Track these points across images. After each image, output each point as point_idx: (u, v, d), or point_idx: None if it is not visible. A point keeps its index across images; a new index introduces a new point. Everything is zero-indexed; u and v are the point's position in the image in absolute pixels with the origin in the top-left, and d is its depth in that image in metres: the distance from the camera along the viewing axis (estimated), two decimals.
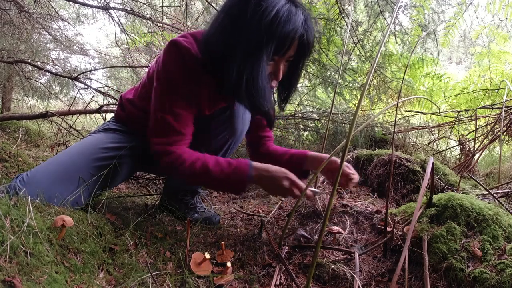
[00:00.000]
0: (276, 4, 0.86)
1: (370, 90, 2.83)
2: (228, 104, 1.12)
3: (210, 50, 0.95)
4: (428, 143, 2.69)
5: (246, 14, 0.86)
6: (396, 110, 1.07)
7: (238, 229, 1.28)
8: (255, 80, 0.89)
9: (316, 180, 1.49)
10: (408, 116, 2.94)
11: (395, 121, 1.01)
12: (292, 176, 0.99)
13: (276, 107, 1.21)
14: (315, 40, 2.33)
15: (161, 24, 2.78)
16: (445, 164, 1.74)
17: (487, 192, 1.22)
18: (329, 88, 2.43)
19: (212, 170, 0.99)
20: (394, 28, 2.41)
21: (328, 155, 1.15)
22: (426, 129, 2.80)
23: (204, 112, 1.08)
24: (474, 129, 2.27)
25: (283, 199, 1.47)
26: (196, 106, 1.05)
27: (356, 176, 1.12)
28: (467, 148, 2.34)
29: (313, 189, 1.03)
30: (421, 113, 2.95)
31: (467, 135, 2.45)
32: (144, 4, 2.82)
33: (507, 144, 2.59)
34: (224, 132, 1.13)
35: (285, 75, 1.03)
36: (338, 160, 1.15)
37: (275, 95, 1.18)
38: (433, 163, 0.92)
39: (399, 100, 1.00)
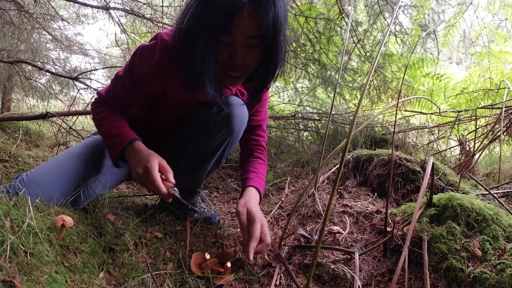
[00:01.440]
0: None
1: (370, 90, 2.83)
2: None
3: (176, 35, 0.95)
4: (428, 143, 2.69)
5: None
6: (396, 110, 1.07)
7: (238, 229, 1.28)
8: (203, 55, 0.87)
9: (317, 180, 1.49)
10: (408, 116, 2.94)
11: (395, 121, 1.01)
12: (152, 165, 0.92)
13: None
14: (315, 40, 2.33)
15: (161, 24, 2.78)
16: (445, 164, 1.74)
17: (487, 192, 1.22)
18: (329, 88, 2.43)
19: (108, 120, 1.05)
20: (394, 28, 2.41)
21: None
22: (426, 129, 2.80)
23: (174, 97, 1.08)
24: (474, 129, 2.27)
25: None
26: (143, 102, 1.11)
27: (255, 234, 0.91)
28: (467, 148, 2.34)
29: (174, 188, 0.93)
30: (421, 113, 2.95)
31: (467, 135, 2.45)
32: (144, 4, 2.82)
33: (507, 144, 2.59)
34: (221, 131, 1.12)
35: (259, 64, 0.96)
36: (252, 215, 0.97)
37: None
38: (433, 163, 0.92)
39: (399, 100, 1.00)
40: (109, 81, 1.33)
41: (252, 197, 1.05)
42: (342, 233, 1.12)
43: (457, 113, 2.53)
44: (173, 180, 0.96)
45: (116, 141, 1.02)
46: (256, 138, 1.27)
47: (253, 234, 0.90)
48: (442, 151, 2.51)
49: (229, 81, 0.98)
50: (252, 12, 0.81)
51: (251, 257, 0.87)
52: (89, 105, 2.57)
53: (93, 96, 2.63)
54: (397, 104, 1.05)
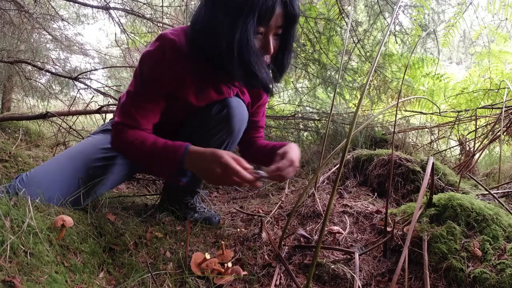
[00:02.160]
0: None
1: (370, 90, 2.83)
2: (219, 95, 1.11)
3: (195, 32, 0.95)
4: (428, 143, 2.69)
5: None
6: (396, 110, 1.07)
7: (238, 229, 1.28)
8: (246, 46, 0.88)
9: (317, 180, 1.49)
10: (408, 116, 2.94)
11: (395, 121, 1.01)
12: (227, 160, 0.88)
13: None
14: (315, 40, 2.33)
15: (161, 24, 2.78)
16: (445, 164, 1.74)
17: (487, 192, 1.22)
18: (329, 88, 2.43)
19: (148, 143, 0.96)
20: (394, 28, 2.41)
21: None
22: (426, 129, 2.80)
23: (192, 102, 1.08)
24: (474, 129, 2.27)
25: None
26: (162, 104, 1.06)
27: (283, 166, 0.97)
28: (467, 148, 2.34)
29: (257, 171, 0.91)
30: (421, 113, 2.95)
31: (467, 135, 2.45)
32: (144, 4, 2.82)
33: (507, 144, 2.59)
34: (221, 131, 1.13)
35: (276, 50, 1.01)
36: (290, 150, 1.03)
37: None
38: (433, 163, 0.92)
39: (399, 100, 1.00)
40: (116, 93, 1.29)
41: (292, 146, 1.07)
42: (342, 233, 1.12)
43: (457, 113, 2.53)
44: (249, 165, 0.92)
45: (167, 155, 0.95)
46: (258, 135, 1.32)
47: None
48: (442, 151, 2.51)
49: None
50: (286, 4, 0.90)
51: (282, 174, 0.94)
52: (88, 105, 2.57)
53: (92, 97, 2.63)
54: (397, 104, 1.05)
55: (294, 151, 1.03)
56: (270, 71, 1.07)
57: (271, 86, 1.03)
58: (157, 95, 1.03)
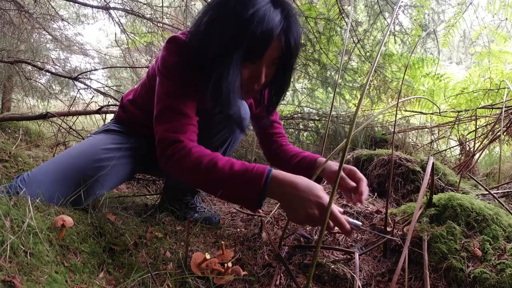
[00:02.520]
0: (254, 4, 0.82)
1: (370, 90, 2.83)
2: None
3: (192, 47, 0.94)
4: (428, 143, 2.69)
5: (223, 13, 0.85)
6: (396, 110, 1.07)
7: (238, 229, 1.28)
8: (220, 82, 0.86)
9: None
10: (408, 116, 2.94)
11: (395, 121, 1.01)
12: (325, 201, 0.79)
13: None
14: (315, 40, 2.33)
15: (161, 24, 2.78)
16: (445, 164, 1.74)
17: (487, 192, 1.22)
18: (329, 88, 2.43)
19: (220, 167, 0.84)
20: (394, 28, 2.41)
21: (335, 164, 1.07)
22: (426, 129, 2.80)
23: (203, 105, 1.07)
24: (474, 129, 2.27)
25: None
26: (196, 97, 1.01)
27: (365, 190, 0.99)
28: (467, 148, 2.34)
29: (353, 221, 0.85)
30: (421, 113, 2.95)
31: (467, 135, 2.46)
32: (144, 4, 2.82)
33: (507, 144, 2.59)
34: (223, 130, 1.13)
35: (273, 79, 0.99)
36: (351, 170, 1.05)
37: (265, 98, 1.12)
38: (433, 163, 0.92)
39: (399, 100, 1.00)
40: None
41: (331, 164, 1.09)
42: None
43: (457, 113, 2.53)
44: (341, 209, 0.84)
45: (246, 179, 0.83)
46: (279, 132, 1.30)
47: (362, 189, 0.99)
48: (442, 151, 2.51)
49: (246, 96, 1.01)
50: (283, 38, 0.87)
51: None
52: (88, 105, 2.57)
53: (92, 97, 2.62)
54: (397, 104, 1.05)
55: (355, 171, 1.04)
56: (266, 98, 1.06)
57: (243, 124, 1.01)
58: (186, 90, 0.98)
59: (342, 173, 1.04)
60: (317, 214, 0.78)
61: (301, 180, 0.82)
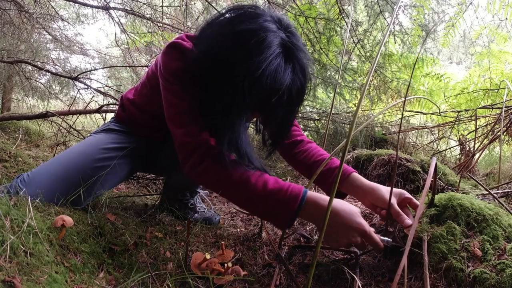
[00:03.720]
0: (266, 58, 0.77)
1: (370, 90, 2.83)
2: None
3: (195, 71, 0.88)
4: (428, 143, 2.69)
5: (236, 60, 0.79)
6: (403, 110, 1.07)
7: (238, 229, 1.28)
8: (236, 144, 0.83)
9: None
10: (408, 116, 2.94)
11: (401, 118, 1.01)
12: (370, 231, 0.80)
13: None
14: (315, 40, 2.33)
15: (161, 24, 2.78)
16: (445, 164, 1.74)
17: (487, 192, 1.22)
18: (329, 88, 2.43)
19: (252, 184, 0.82)
20: (394, 28, 2.41)
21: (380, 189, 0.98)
22: (426, 129, 2.80)
23: None
24: (474, 129, 2.27)
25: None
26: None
27: (408, 221, 0.93)
28: (467, 148, 2.34)
29: (384, 238, 0.86)
30: (421, 113, 2.95)
31: (467, 135, 2.45)
32: (144, 4, 2.82)
33: (507, 144, 2.59)
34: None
35: (277, 118, 0.95)
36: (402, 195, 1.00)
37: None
38: (436, 163, 0.92)
39: (399, 101, 0.99)
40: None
41: (372, 184, 1.03)
42: None
43: (457, 113, 2.53)
44: (372, 228, 0.84)
45: (280, 201, 0.81)
46: (298, 132, 1.25)
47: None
48: (442, 151, 2.51)
49: None
50: (288, 94, 0.85)
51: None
52: (88, 105, 2.57)
53: (92, 97, 2.63)
54: (404, 102, 1.04)
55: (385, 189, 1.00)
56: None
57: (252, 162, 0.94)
58: (194, 92, 0.93)
59: (395, 204, 0.98)
60: (359, 241, 0.82)
61: (340, 206, 0.82)
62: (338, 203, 0.83)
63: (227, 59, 0.80)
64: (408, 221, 0.94)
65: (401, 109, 3.13)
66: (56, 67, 3.62)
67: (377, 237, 0.83)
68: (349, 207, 0.83)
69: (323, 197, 0.83)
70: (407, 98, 3.10)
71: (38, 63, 3.13)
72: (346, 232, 0.81)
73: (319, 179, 1.10)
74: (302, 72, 0.87)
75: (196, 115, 0.90)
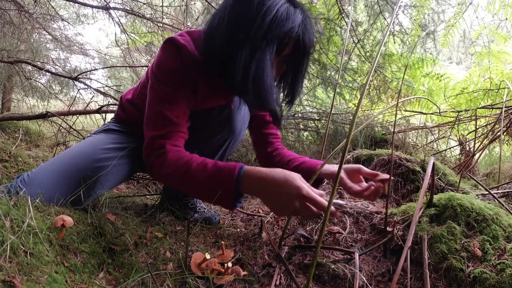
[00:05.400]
0: (276, 3, 0.86)
1: (370, 90, 2.83)
2: (227, 101, 1.11)
3: (211, 49, 0.93)
4: (428, 143, 2.69)
5: (249, 13, 0.86)
6: (396, 110, 1.07)
7: (238, 229, 1.28)
8: (261, 77, 0.87)
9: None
10: (408, 116, 2.94)
11: (395, 121, 1.01)
12: (308, 192, 0.78)
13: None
14: (315, 40, 2.33)
15: (161, 24, 2.78)
16: (445, 164, 1.74)
17: (487, 192, 1.22)
18: (329, 88, 2.43)
19: (193, 171, 0.86)
20: (393, 28, 2.41)
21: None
22: (426, 129, 2.80)
23: (201, 107, 1.07)
24: (474, 129, 2.27)
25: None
26: (192, 101, 1.02)
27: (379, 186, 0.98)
28: (467, 148, 2.34)
29: (336, 201, 0.85)
30: (421, 113, 2.95)
31: (467, 135, 2.45)
32: (144, 4, 2.82)
33: (507, 144, 2.59)
34: (222, 131, 1.12)
35: (288, 79, 1.01)
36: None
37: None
38: (433, 163, 0.92)
39: (400, 100, 0.99)
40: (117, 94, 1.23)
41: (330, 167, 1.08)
42: (342, 233, 1.12)
43: (457, 113, 2.53)
44: (322, 192, 0.83)
45: (218, 181, 0.84)
46: (274, 133, 1.29)
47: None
48: (442, 151, 2.51)
49: None
50: (300, 37, 0.90)
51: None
52: (88, 105, 2.57)
53: (92, 97, 2.63)
54: (397, 103, 1.05)
55: (359, 168, 1.04)
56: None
57: (279, 114, 1.01)
58: (184, 92, 0.98)
59: (345, 178, 1.03)
60: (299, 205, 0.78)
61: (277, 174, 0.80)
62: (275, 172, 0.82)
63: (242, 12, 0.87)
64: (357, 188, 1.00)
65: (401, 109, 3.13)
66: (56, 67, 3.62)
67: (320, 198, 0.79)
68: (288, 174, 0.80)
69: (260, 169, 0.83)
70: (407, 98, 3.10)
71: (38, 63, 3.13)
72: (287, 199, 0.78)
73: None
74: (310, 20, 0.93)
75: (166, 121, 0.94)
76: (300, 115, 2.61)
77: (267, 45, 0.86)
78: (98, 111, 2.38)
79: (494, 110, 2.42)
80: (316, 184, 1.14)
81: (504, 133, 2.32)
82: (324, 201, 0.78)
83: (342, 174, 1.04)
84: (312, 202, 0.77)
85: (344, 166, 1.05)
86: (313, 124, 2.59)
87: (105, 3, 2.64)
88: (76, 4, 3.03)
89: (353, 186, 1.02)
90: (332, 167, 1.08)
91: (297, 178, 0.79)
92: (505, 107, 1.98)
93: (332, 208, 0.77)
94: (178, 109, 0.97)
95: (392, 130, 2.64)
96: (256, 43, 0.86)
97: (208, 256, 0.94)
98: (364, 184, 1.03)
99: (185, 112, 1.00)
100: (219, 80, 1.01)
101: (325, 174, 1.08)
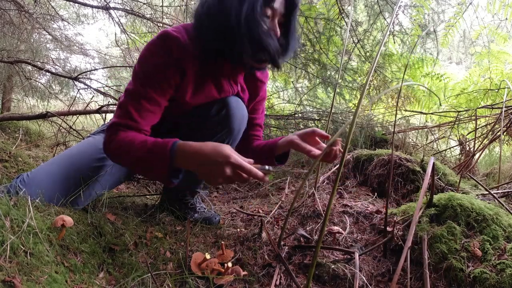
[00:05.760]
0: None
1: (370, 90, 2.83)
2: (220, 93, 1.10)
3: (206, 13, 0.94)
4: (428, 143, 2.69)
5: None
6: (396, 110, 1.07)
7: (238, 229, 1.28)
8: (254, 17, 0.89)
9: (317, 180, 1.49)
10: (408, 116, 2.94)
11: (394, 121, 1.01)
12: (236, 159, 0.81)
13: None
14: (315, 40, 2.33)
15: (161, 24, 2.78)
16: (445, 164, 1.74)
17: (487, 192, 1.22)
18: (329, 88, 2.43)
19: (135, 145, 0.88)
20: (394, 28, 2.41)
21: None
22: (426, 129, 2.80)
23: (188, 102, 1.07)
24: (474, 129, 2.27)
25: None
26: (167, 98, 1.03)
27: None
28: (467, 148, 2.34)
29: (263, 167, 0.88)
30: (421, 113, 2.95)
31: (467, 135, 2.45)
32: (144, 4, 2.82)
33: (507, 144, 2.59)
34: (220, 132, 1.11)
35: (282, 31, 1.02)
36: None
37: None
38: (433, 163, 0.92)
39: (399, 101, 0.99)
40: (114, 92, 1.25)
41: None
42: (342, 233, 1.12)
43: (457, 113, 2.53)
44: (251, 160, 0.87)
45: (155, 155, 0.87)
46: (256, 134, 1.31)
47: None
48: (442, 151, 2.51)
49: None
50: None
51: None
52: (88, 105, 2.57)
53: (92, 97, 2.63)
54: (397, 103, 1.04)
55: (312, 131, 1.08)
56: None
57: (278, 59, 1.02)
58: (159, 95, 0.99)
59: (299, 141, 1.07)
60: (229, 173, 0.81)
61: (206, 145, 0.84)
62: (205, 145, 0.85)
63: None
64: (316, 151, 1.02)
65: (400, 109, 3.13)
66: (56, 67, 3.62)
67: (247, 164, 0.82)
68: (217, 144, 0.84)
69: (192, 143, 0.86)
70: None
71: (38, 63, 3.13)
72: (217, 168, 0.81)
73: (264, 157, 1.20)
74: None
75: (131, 117, 0.96)
76: (300, 115, 2.61)
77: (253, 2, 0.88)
78: (98, 111, 2.38)
79: (494, 110, 2.42)
80: (283, 159, 1.21)
81: (504, 133, 2.32)
82: (250, 166, 0.82)
83: (296, 138, 1.08)
84: (240, 168, 0.81)
85: (297, 132, 1.10)
86: (313, 124, 2.59)
87: (105, 3, 2.64)
88: (76, 4, 3.03)
89: (311, 148, 1.04)
90: (289, 137, 1.11)
91: (226, 148, 0.83)
92: (505, 107, 1.98)
93: (259, 172, 0.83)
94: (147, 111, 0.98)
95: (392, 130, 2.64)
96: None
97: (208, 256, 0.94)
98: (323, 145, 1.08)
99: (154, 114, 1.01)
100: (211, 65, 1.02)
101: (283, 146, 1.13)
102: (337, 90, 2.33)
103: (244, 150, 1.31)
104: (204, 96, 1.08)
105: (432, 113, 2.93)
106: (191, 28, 1.00)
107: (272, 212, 1.39)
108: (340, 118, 2.51)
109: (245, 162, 0.84)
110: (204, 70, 1.04)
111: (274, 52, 0.96)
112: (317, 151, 1.03)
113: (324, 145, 1.08)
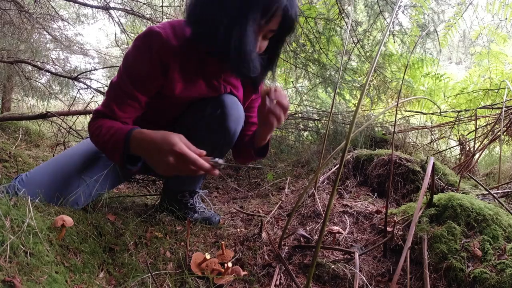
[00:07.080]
0: None
1: (370, 90, 2.83)
2: (210, 89, 1.09)
3: (195, 21, 0.93)
4: (428, 143, 2.69)
5: None
6: (396, 110, 1.07)
7: (238, 229, 1.28)
8: (242, 43, 0.87)
9: (317, 180, 1.49)
10: (408, 116, 2.94)
11: (395, 120, 1.01)
12: (182, 148, 0.80)
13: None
14: (316, 41, 2.33)
15: None
16: (445, 164, 1.74)
17: (487, 192, 1.22)
18: (329, 88, 2.43)
19: (104, 130, 0.93)
20: (393, 28, 2.41)
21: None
22: (426, 129, 2.80)
23: (177, 96, 1.05)
24: (474, 129, 2.27)
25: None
26: (148, 92, 1.02)
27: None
28: (467, 148, 2.34)
29: (213, 158, 0.86)
30: (421, 113, 2.95)
31: (467, 135, 2.45)
32: (144, 4, 2.82)
33: (507, 144, 2.59)
34: (215, 133, 1.10)
35: (266, 51, 1.01)
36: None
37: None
38: (433, 163, 0.92)
39: (400, 101, 0.99)
40: (107, 85, 1.27)
41: None
42: (342, 233, 1.12)
43: (457, 113, 2.53)
44: (203, 151, 0.85)
45: (114, 140, 0.91)
46: (250, 133, 1.28)
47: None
48: (442, 151, 2.51)
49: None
50: (285, 12, 0.90)
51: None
52: (88, 105, 2.57)
53: (92, 97, 2.63)
54: (397, 103, 1.05)
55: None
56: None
57: (258, 81, 1.03)
58: (139, 89, 0.99)
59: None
60: (173, 161, 0.80)
61: (158, 134, 0.84)
62: (157, 132, 0.85)
63: None
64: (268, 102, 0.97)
65: (401, 109, 3.13)
66: (56, 67, 3.62)
67: (191, 153, 0.81)
68: (166, 132, 0.83)
69: (145, 131, 0.88)
70: (407, 99, 3.10)
71: (38, 63, 3.13)
72: (160, 155, 0.81)
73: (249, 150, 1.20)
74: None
75: (112, 110, 0.98)
76: (300, 115, 2.61)
77: (249, 12, 0.86)
78: None
79: (494, 110, 2.42)
80: (262, 152, 1.20)
81: (504, 133, 2.32)
82: (196, 156, 0.81)
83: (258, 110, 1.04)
84: (184, 157, 0.80)
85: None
86: (313, 124, 2.59)
87: (105, 3, 2.64)
88: (76, 4, 3.03)
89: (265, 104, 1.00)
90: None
91: (174, 136, 0.82)
92: (505, 107, 1.98)
93: (206, 164, 0.82)
94: (128, 106, 1.00)
95: (392, 130, 2.64)
96: (237, 10, 0.86)
97: (208, 256, 0.94)
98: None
99: (134, 109, 1.02)
100: (197, 62, 1.02)
101: (258, 130, 1.11)
102: (337, 90, 2.33)
103: (237, 151, 1.30)
104: (196, 91, 1.07)
105: (432, 113, 2.93)
106: (178, 24, 0.99)
107: (272, 212, 1.39)
108: (341, 118, 2.51)
109: (191, 151, 0.82)
110: (190, 66, 1.02)
111: (257, 82, 1.00)
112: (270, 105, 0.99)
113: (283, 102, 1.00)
